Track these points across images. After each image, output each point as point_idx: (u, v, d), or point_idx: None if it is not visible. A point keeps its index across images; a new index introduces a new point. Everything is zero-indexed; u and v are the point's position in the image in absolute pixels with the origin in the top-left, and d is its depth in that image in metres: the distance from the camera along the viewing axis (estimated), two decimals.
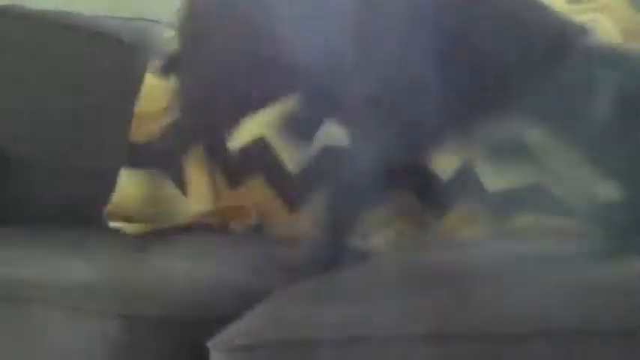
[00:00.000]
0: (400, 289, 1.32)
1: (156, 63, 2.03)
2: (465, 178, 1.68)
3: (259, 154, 1.84)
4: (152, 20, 2.30)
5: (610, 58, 1.50)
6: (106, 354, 1.36)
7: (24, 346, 1.41)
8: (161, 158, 1.89)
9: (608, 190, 1.46)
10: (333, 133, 1.72)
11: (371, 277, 1.44)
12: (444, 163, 1.69)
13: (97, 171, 2.01)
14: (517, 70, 1.44)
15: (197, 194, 1.84)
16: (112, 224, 1.85)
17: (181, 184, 1.87)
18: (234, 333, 1.32)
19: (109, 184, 1.93)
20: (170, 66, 1.95)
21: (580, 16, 1.70)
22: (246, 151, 1.84)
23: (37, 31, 2.28)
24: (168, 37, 2.05)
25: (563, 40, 1.48)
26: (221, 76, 1.65)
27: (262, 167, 1.85)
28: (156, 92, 2.01)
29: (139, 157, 1.91)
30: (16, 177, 2.03)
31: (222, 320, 1.31)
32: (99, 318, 1.38)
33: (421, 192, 1.71)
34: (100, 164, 2.02)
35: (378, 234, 1.63)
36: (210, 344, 1.33)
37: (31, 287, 1.44)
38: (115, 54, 2.19)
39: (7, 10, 2.31)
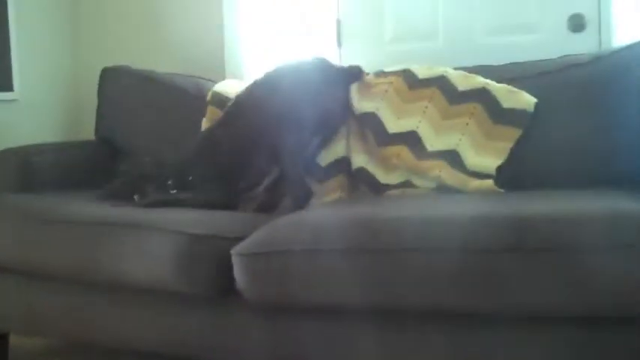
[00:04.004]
0: (338, 218, 2.08)
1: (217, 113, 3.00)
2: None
3: None
4: (206, 78, 3.30)
5: None
6: None
7: None
8: None
9: None
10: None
11: (322, 214, 2.20)
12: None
13: None
14: None
15: None
16: None
17: None
18: (247, 244, 2.09)
19: None
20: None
21: None
22: None
23: (138, 82, 3.33)
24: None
25: None
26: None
27: None
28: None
29: None
30: None
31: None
32: None
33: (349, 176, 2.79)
34: None
35: (328, 195, 2.80)
36: (232, 251, 2.10)
37: None
38: (182, 100, 3.20)
39: (119, 68, 3.40)
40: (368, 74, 2.88)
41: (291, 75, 2.76)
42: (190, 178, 2.67)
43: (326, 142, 2.80)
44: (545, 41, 3.03)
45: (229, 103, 2.89)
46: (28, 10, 3.69)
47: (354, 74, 2.85)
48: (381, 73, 2.86)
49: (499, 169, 2.52)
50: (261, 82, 2.81)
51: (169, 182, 2.65)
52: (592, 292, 1.78)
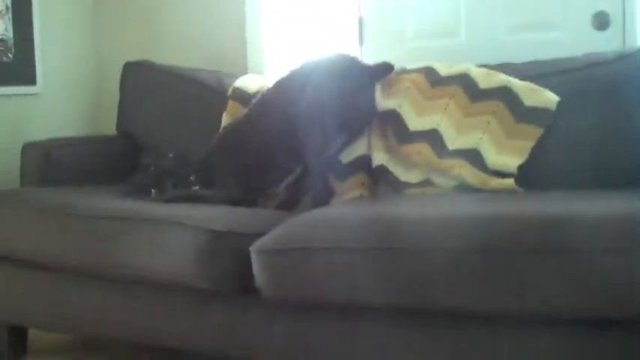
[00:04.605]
0: (358, 216, 2.10)
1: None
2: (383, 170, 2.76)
3: None
4: (227, 73, 3.32)
5: None
6: None
7: None
8: None
9: None
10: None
11: (342, 211, 2.21)
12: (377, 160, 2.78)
13: None
14: None
15: None
16: None
17: None
18: (266, 241, 2.10)
19: None
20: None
21: None
22: None
23: (160, 77, 3.36)
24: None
25: None
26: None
27: None
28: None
29: None
30: None
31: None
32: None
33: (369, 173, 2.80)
34: None
35: (348, 193, 2.80)
36: (251, 248, 2.11)
37: None
38: (203, 95, 3.22)
39: (141, 63, 3.43)
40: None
41: (319, 73, 2.75)
42: (212, 171, 2.68)
43: (350, 141, 2.80)
44: (569, 39, 3.01)
45: (254, 100, 2.90)
46: (52, 5, 3.71)
47: (382, 71, 2.82)
48: (402, 71, 2.85)
49: (520, 168, 2.51)
50: (288, 80, 2.81)
51: (192, 178, 2.66)
52: (610, 293, 1.77)
